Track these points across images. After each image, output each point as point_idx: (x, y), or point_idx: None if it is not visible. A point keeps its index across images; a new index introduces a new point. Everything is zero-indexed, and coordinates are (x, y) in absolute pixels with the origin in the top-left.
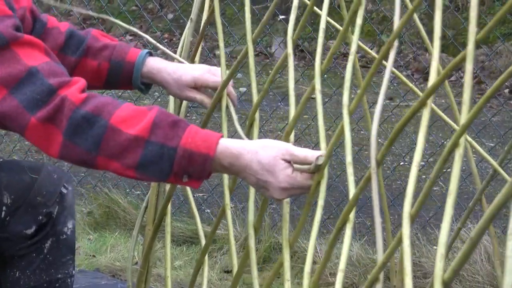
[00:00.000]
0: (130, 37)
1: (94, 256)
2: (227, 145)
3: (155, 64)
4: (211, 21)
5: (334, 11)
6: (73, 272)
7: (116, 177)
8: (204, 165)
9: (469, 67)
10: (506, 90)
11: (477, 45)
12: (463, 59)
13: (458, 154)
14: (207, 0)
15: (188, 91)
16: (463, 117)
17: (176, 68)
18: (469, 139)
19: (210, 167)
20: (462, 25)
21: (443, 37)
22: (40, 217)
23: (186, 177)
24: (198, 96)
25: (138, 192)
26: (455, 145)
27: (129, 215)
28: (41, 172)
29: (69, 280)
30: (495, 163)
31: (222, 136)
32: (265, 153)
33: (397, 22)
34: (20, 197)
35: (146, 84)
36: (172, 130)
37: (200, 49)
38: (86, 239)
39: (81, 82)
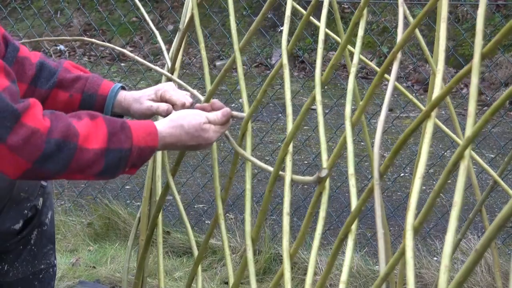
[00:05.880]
0: (131, 48)
1: (94, 267)
2: (160, 131)
3: (126, 97)
4: (195, 30)
5: (333, 22)
6: (55, 262)
7: (117, 188)
8: (150, 155)
9: (474, 80)
10: (507, 101)
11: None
12: (468, 72)
13: (463, 166)
14: (189, 8)
15: (146, 102)
16: (468, 130)
17: (142, 92)
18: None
19: (152, 154)
20: (462, 36)
21: None
22: (26, 211)
23: (130, 167)
24: (155, 104)
25: (138, 203)
26: (460, 157)
27: (129, 226)
28: None
29: (51, 270)
30: (495, 174)
31: (153, 123)
32: (189, 124)
33: (400, 35)
34: (4, 196)
35: (117, 115)
36: (123, 133)
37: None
38: (86, 250)
39: (38, 105)
